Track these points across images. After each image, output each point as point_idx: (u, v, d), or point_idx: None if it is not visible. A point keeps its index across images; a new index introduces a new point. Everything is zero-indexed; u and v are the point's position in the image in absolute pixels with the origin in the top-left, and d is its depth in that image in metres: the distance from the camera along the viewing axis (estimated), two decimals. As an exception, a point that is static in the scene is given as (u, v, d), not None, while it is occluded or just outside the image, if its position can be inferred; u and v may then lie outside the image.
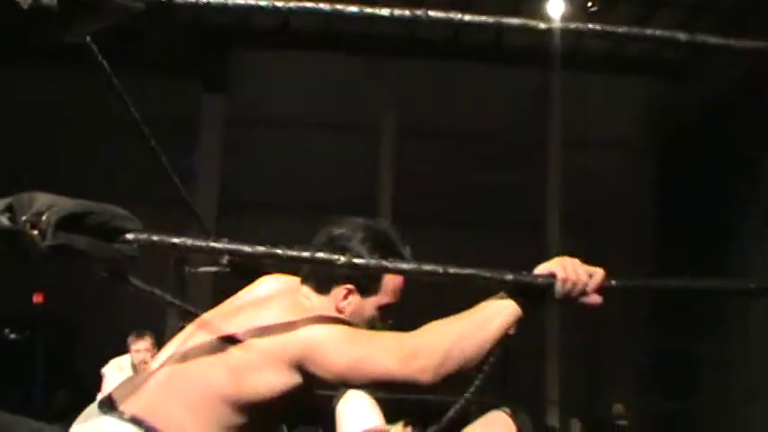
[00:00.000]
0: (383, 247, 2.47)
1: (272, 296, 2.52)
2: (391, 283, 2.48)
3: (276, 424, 2.51)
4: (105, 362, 7.23)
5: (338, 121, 12.48)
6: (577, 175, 11.74)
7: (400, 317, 2.55)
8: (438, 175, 12.41)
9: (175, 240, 1.79)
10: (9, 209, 1.72)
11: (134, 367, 7.06)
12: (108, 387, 6.99)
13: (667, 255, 11.75)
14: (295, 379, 2.31)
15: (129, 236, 1.73)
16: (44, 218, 1.69)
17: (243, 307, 2.47)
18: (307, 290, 2.50)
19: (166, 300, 4.07)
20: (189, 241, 1.88)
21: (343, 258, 1.92)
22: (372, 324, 2.46)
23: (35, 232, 1.69)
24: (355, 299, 2.46)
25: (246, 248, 1.85)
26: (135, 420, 2.32)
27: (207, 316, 2.53)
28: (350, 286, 2.44)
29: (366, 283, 2.44)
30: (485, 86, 12.09)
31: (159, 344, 7.45)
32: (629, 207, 12.64)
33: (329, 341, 2.27)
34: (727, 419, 10.46)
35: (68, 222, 1.68)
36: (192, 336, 2.48)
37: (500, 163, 12.21)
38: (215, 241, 1.96)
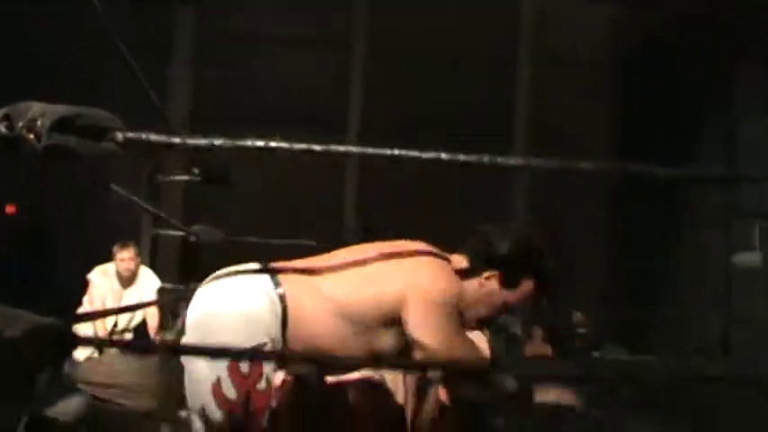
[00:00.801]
0: (523, 252, 2.91)
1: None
2: (527, 289, 2.90)
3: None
4: (81, 269, 7.45)
5: (310, 35, 12.54)
6: (545, 92, 11.91)
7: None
8: (408, 90, 12.54)
9: (156, 138, 1.98)
10: (6, 117, 1.93)
11: (118, 275, 7.31)
12: (95, 291, 7.27)
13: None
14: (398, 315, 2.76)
15: (117, 135, 1.94)
16: (39, 122, 1.90)
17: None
18: (460, 258, 2.92)
19: (143, 207, 4.30)
20: (176, 139, 2.08)
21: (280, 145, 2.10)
22: (494, 311, 2.91)
23: (31, 136, 1.90)
24: (493, 284, 2.86)
25: (233, 143, 2.05)
26: (272, 273, 2.79)
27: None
28: (494, 272, 2.85)
29: (509, 277, 2.86)
30: (457, 3, 12.17)
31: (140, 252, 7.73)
32: (594, 125, 12.85)
33: (424, 313, 2.73)
34: (681, 330, 10.92)
35: (60, 125, 1.89)
36: (353, 252, 2.95)
37: (469, 79, 12.35)
38: (194, 138, 2.13)
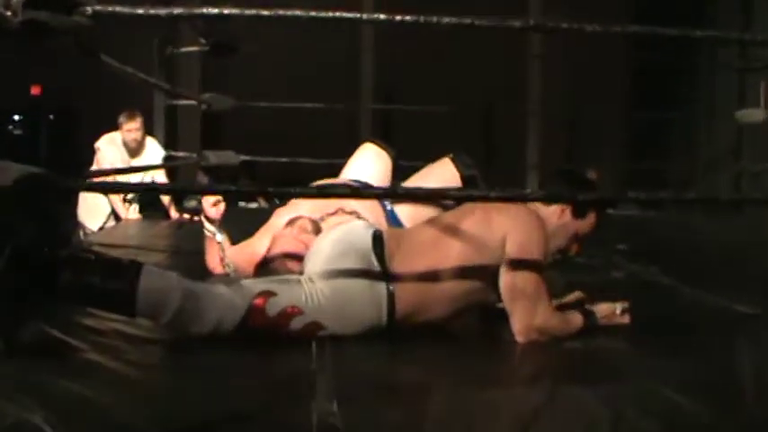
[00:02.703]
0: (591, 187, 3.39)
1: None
2: (592, 219, 3.28)
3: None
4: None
5: None
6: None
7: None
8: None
9: (122, 10, 2.11)
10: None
11: (125, 144, 7.41)
12: (102, 158, 7.39)
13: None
14: (498, 258, 3.08)
15: (86, 8, 2.08)
16: (13, 0, 2.05)
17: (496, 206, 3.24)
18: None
19: (142, 78, 4.43)
20: (140, 11, 2.20)
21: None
22: (569, 242, 3.28)
23: (8, 13, 2.06)
24: (568, 217, 3.24)
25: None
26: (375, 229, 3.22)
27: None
28: (567, 206, 3.24)
29: (580, 209, 3.23)
30: None
31: (148, 123, 7.81)
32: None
33: (525, 267, 3.06)
34: (693, 181, 11.07)
35: (33, 1, 2.05)
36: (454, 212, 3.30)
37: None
38: (159, 8, 2.23)
